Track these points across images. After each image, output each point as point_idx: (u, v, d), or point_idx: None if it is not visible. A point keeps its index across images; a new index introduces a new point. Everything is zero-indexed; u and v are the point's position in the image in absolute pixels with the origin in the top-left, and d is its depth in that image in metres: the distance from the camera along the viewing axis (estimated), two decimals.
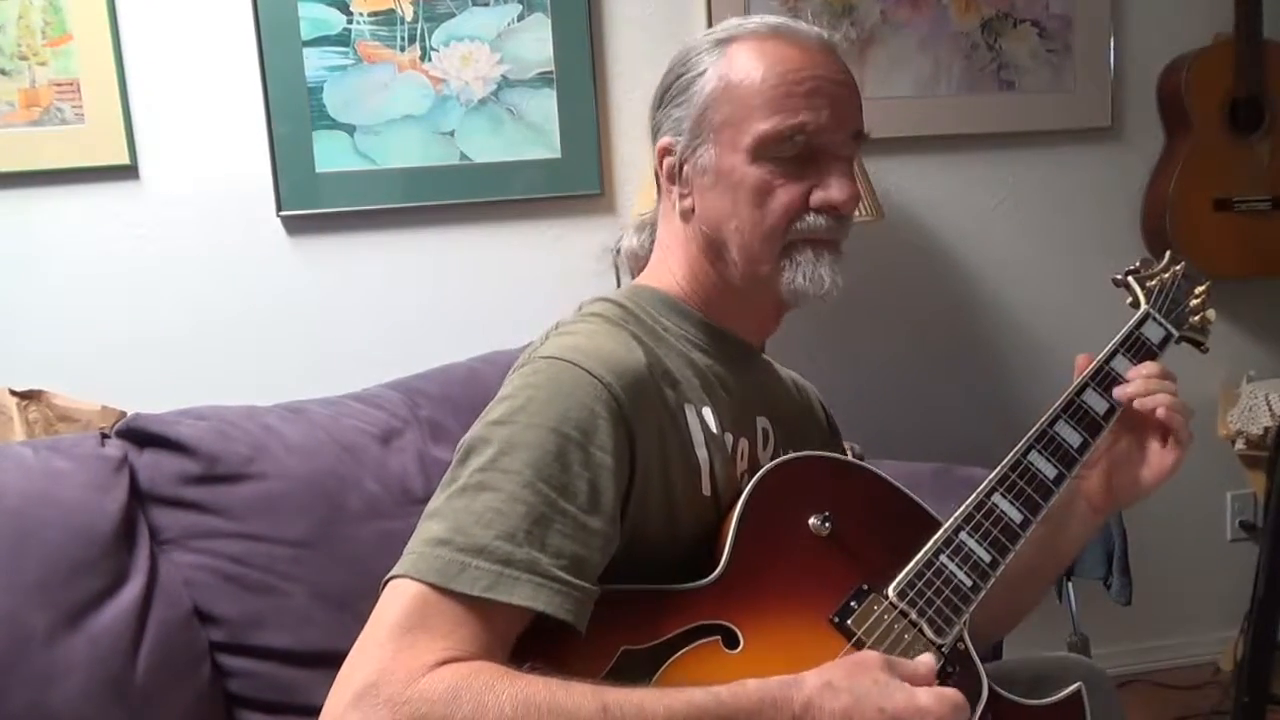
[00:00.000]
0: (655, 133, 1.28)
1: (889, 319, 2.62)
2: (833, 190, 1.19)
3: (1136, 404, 1.29)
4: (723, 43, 1.23)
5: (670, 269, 1.28)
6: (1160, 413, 1.28)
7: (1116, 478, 1.33)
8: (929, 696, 1.03)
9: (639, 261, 1.37)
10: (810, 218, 1.20)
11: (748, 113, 1.19)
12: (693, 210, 1.24)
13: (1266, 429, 2.46)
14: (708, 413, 1.21)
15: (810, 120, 1.18)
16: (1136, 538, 2.30)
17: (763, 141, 1.18)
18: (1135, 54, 2.66)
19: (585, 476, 1.06)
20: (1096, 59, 2.61)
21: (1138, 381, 1.30)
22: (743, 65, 1.20)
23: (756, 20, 1.24)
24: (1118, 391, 1.30)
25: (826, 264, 1.21)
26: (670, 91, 1.26)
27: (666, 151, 1.25)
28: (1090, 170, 2.69)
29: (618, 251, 1.42)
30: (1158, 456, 1.30)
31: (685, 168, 1.24)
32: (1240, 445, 2.54)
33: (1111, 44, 2.62)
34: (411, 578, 1.00)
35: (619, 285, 1.38)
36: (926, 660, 1.10)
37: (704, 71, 1.22)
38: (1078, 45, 2.60)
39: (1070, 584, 2.34)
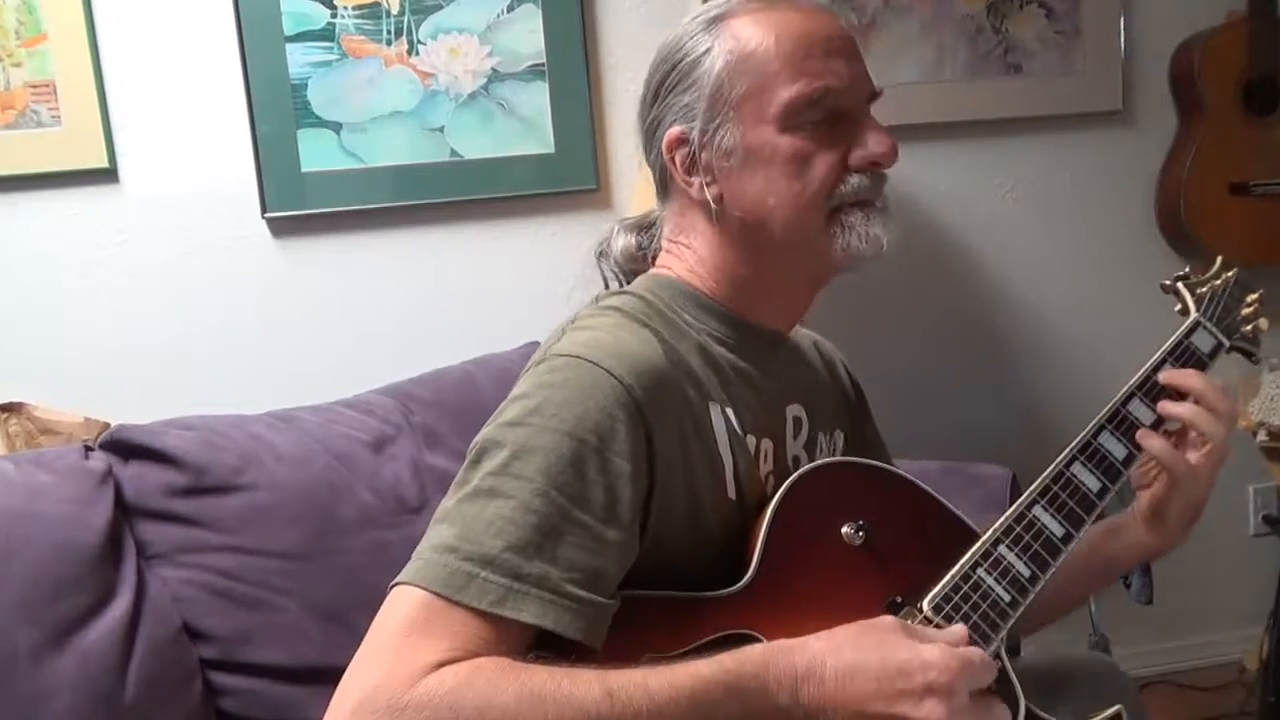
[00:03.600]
0: (653, 129, 1.22)
1: (892, 310, 2.57)
2: (871, 145, 1.16)
3: (1160, 408, 1.26)
4: (718, 20, 1.18)
5: (689, 264, 1.23)
6: (1186, 420, 1.25)
7: (1162, 494, 1.28)
8: (937, 651, 1.00)
9: (636, 262, 1.33)
10: (854, 180, 1.17)
11: (769, 81, 1.14)
12: (721, 197, 1.18)
13: None
14: (730, 413, 1.17)
15: (835, 82, 1.15)
16: None
17: (791, 108, 1.14)
18: (1146, 35, 2.61)
19: (602, 484, 1.02)
20: (1106, 40, 2.56)
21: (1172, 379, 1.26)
22: (751, 35, 1.16)
23: None
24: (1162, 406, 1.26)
25: (878, 223, 1.17)
26: (668, 81, 1.20)
27: (680, 141, 1.19)
28: (1101, 155, 2.64)
29: (601, 255, 1.37)
30: (1193, 469, 1.25)
31: (704, 154, 1.18)
32: (1262, 437, 2.49)
33: (1121, 25, 2.57)
34: (417, 585, 0.97)
35: (606, 288, 1.34)
36: (956, 629, 1.08)
37: (708, 50, 1.17)
38: (1086, 26, 2.54)
39: None
